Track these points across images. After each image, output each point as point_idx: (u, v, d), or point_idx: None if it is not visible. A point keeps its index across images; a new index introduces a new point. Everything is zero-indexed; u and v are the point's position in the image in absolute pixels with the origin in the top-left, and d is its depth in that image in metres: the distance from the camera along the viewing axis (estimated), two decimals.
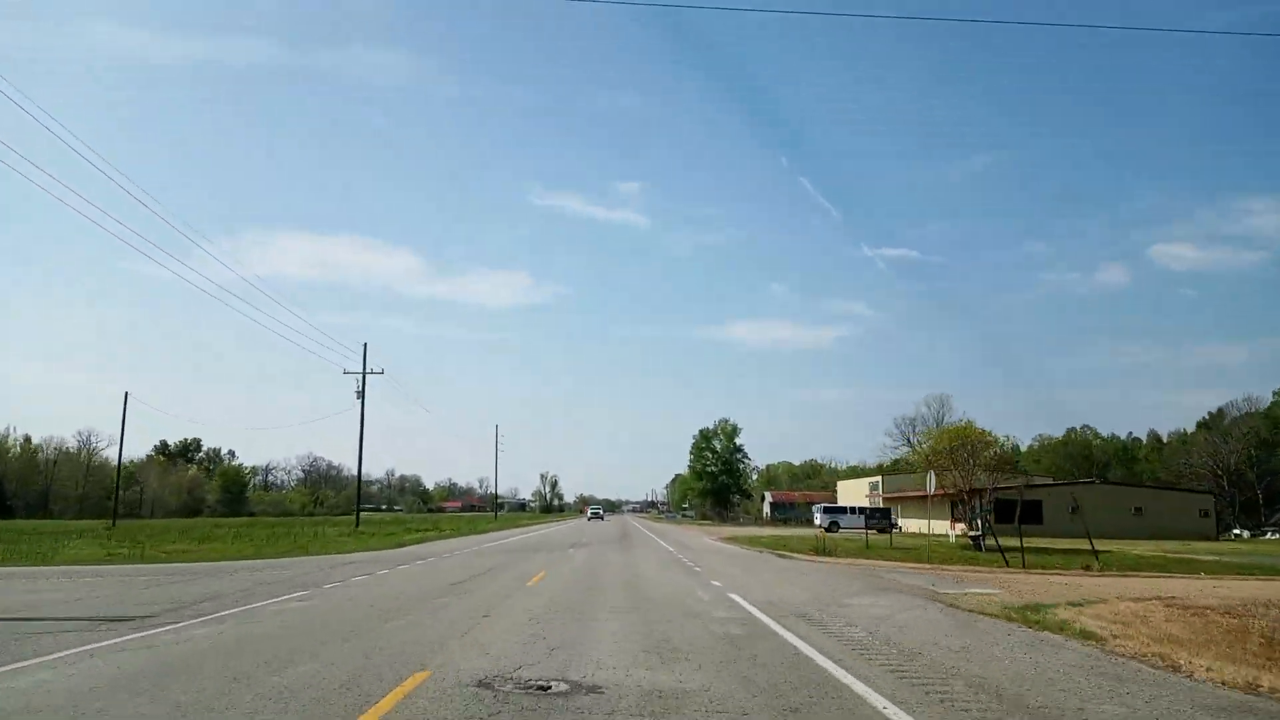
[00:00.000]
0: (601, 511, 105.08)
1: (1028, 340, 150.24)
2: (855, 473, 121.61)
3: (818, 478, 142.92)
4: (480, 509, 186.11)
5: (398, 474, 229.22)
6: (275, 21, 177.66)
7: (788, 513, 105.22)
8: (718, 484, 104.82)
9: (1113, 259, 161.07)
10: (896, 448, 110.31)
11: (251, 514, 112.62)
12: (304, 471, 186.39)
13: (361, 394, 47.30)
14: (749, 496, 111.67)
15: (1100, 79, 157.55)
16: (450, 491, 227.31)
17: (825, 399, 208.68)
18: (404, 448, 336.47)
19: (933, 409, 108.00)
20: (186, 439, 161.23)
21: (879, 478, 65.47)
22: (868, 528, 41.95)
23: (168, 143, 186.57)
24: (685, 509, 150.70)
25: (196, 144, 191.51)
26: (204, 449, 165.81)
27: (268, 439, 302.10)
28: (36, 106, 62.57)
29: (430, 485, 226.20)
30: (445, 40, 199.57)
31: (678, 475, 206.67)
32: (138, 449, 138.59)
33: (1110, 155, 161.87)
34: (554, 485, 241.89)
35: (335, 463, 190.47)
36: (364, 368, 47.62)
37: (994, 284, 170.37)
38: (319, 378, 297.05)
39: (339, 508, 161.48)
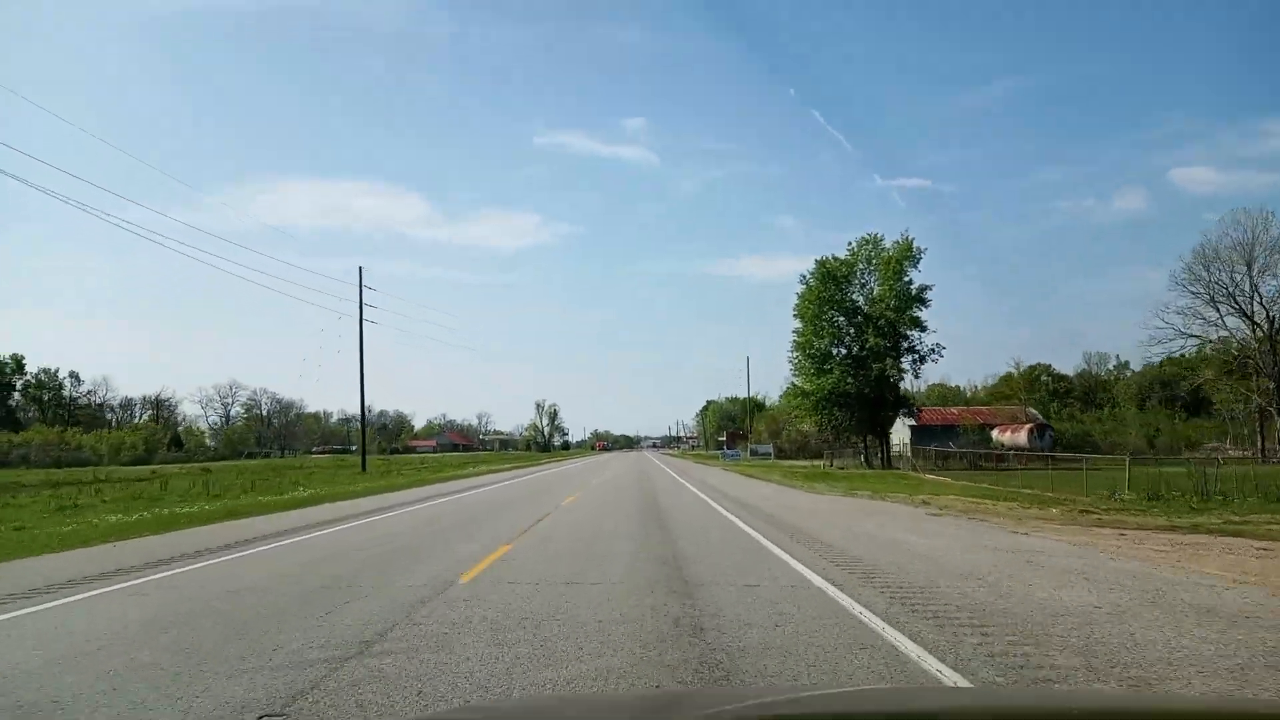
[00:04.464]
0: None
1: (1044, 267, 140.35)
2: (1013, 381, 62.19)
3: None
4: (470, 447, 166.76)
5: (376, 410, 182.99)
6: None
7: (940, 441, 47.02)
8: (872, 380, 43.31)
9: (1131, 183, 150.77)
10: (1190, 311, 51.01)
11: None
12: (224, 404, 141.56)
13: None
14: (912, 411, 52.87)
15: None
16: (444, 428, 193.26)
17: None
18: (398, 385, 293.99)
19: (1240, 232, 49.17)
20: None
21: None
22: None
23: (169, 90, 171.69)
24: (721, 442, 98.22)
25: (196, 91, 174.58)
26: (32, 372, 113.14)
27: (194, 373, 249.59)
28: None
29: (421, 423, 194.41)
30: None
31: (709, 402, 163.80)
32: None
33: (1127, 78, 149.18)
34: (554, 417, 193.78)
35: (283, 396, 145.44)
36: None
37: (1009, 212, 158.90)
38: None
39: (208, 452, 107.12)
